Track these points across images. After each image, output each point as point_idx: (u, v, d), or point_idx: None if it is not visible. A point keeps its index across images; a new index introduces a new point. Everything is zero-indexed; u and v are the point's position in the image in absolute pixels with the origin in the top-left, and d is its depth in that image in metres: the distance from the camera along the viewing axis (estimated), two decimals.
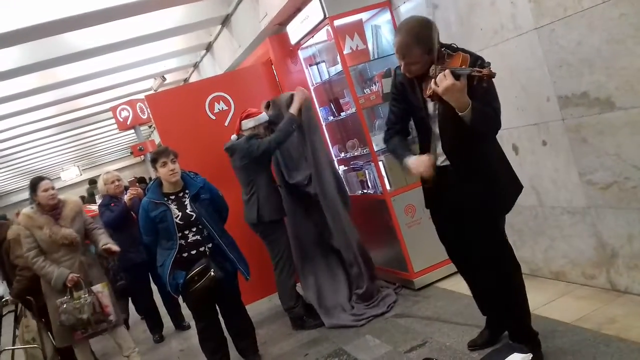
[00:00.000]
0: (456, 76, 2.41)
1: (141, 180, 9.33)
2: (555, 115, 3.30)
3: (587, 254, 3.44)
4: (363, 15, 4.53)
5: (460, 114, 2.47)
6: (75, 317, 4.01)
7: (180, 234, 3.73)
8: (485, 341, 3.16)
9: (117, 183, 5.27)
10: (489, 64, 2.43)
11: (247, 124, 4.35)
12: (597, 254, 3.37)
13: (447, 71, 2.39)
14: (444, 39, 3.87)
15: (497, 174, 2.75)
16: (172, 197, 3.81)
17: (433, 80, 2.47)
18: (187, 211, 3.76)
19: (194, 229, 3.77)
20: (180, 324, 5.58)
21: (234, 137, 4.43)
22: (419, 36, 2.53)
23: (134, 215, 5.02)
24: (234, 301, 4.07)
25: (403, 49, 2.60)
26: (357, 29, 4.48)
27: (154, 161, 3.83)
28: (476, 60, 2.52)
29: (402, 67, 2.71)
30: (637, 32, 2.70)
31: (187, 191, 3.84)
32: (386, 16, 4.50)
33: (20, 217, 4.28)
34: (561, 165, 3.39)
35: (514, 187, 2.84)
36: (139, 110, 9.96)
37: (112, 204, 5.10)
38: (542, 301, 3.50)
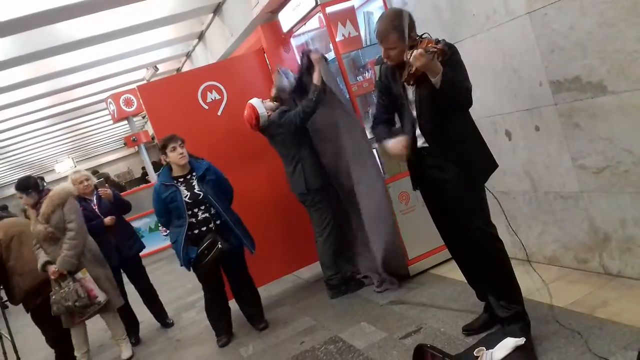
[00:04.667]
0: None
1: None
2: (548, 100, 3.29)
3: (580, 239, 3.45)
4: (355, 2, 4.49)
5: (433, 80, 2.64)
6: (63, 305, 4.31)
7: (190, 212, 4.16)
8: (481, 325, 3.19)
9: (85, 183, 5.01)
10: (443, 40, 2.70)
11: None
12: (589, 238, 3.39)
13: (419, 51, 2.59)
14: (436, 25, 3.91)
15: (473, 150, 2.91)
16: (181, 179, 4.24)
17: (407, 63, 2.68)
18: (195, 191, 4.20)
19: (202, 207, 4.20)
20: (164, 321, 5.47)
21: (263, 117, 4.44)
22: (394, 23, 2.77)
23: (103, 219, 4.98)
24: (241, 272, 4.49)
25: (381, 34, 2.84)
26: (349, 15, 4.44)
27: (163, 147, 4.21)
28: (437, 41, 2.72)
29: (382, 53, 2.91)
30: (629, 15, 2.69)
31: (194, 173, 4.26)
32: (378, 3, 4.47)
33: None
34: (554, 150, 3.39)
35: (489, 163, 2.99)
36: (122, 103, 9.94)
37: (81, 208, 4.79)
38: (536, 286, 3.52)
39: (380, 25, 2.83)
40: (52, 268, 4.36)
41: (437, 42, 2.65)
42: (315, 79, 4.27)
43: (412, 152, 2.95)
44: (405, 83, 2.82)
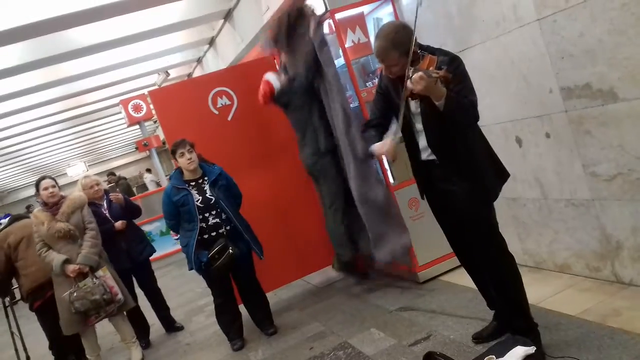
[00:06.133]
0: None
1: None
2: (558, 107, 3.28)
3: (592, 247, 3.43)
4: (365, 8, 4.50)
5: (437, 103, 2.61)
6: (89, 300, 4.33)
7: (201, 217, 4.17)
8: (491, 333, 3.17)
9: (96, 188, 4.99)
10: (446, 58, 2.69)
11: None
12: (601, 246, 3.36)
13: (419, 74, 2.54)
14: (446, 30, 3.90)
15: (482, 166, 2.86)
16: (193, 183, 4.25)
17: (407, 81, 2.62)
18: (207, 195, 4.20)
19: (214, 212, 4.21)
20: (172, 326, 5.46)
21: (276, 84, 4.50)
22: (394, 41, 2.72)
23: (114, 223, 4.97)
24: (249, 277, 4.49)
25: (381, 53, 2.79)
26: (359, 22, 4.45)
27: (173, 152, 4.25)
28: (441, 62, 2.68)
29: (383, 70, 2.90)
30: (639, 22, 2.67)
31: (205, 178, 4.28)
32: (388, 9, 4.47)
33: (32, 216, 4.65)
34: (565, 157, 3.37)
35: (500, 176, 2.95)
36: (131, 109, 10.03)
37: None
38: (547, 294, 3.50)
39: (379, 44, 2.78)
40: (71, 267, 4.36)
41: (439, 67, 2.59)
42: (311, 32, 4.20)
43: (416, 164, 2.98)
44: (409, 98, 2.77)
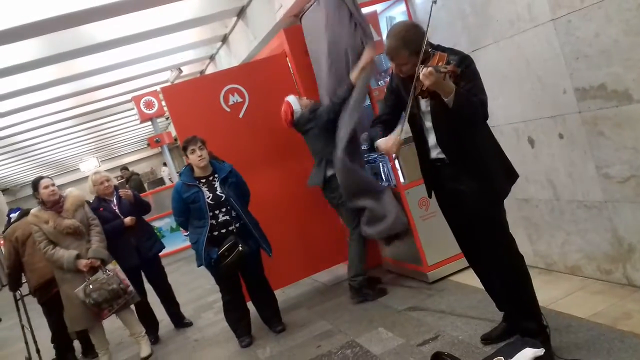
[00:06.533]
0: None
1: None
2: (572, 108, 3.25)
3: (603, 249, 3.39)
4: (378, 7, 4.50)
5: (445, 99, 2.61)
6: (107, 290, 4.44)
7: (211, 214, 4.18)
8: (500, 335, 3.16)
9: (106, 184, 5.05)
10: (457, 57, 2.70)
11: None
12: (613, 249, 3.33)
13: (429, 69, 2.55)
14: (460, 29, 3.87)
15: (491, 165, 2.86)
16: (203, 180, 4.26)
17: (416, 79, 2.64)
18: (217, 192, 4.22)
19: (224, 210, 4.22)
20: (181, 322, 5.49)
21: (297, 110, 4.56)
22: (405, 39, 2.75)
23: (123, 219, 4.99)
24: (258, 275, 4.50)
25: (391, 52, 2.82)
26: (372, 20, 4.43)
27: (184, 149, 4.27)
28: (449, 62, 2.68)
29: (393, 69, 2.91)
30: None
31: (216, 175, 4.30)
32: (401, 7, 4.47)
33: (29, 217, 4.65)
34: (578, 158, 3.34)
35: (509, 176, 2.95)
36: (142, 106, 10.08)
37: (101, 209, 4.93)
38: (557, 296, 3.48)
39: (390, 43, 2.81)
40: (83, 261, 4.44)
41: (449, 62, 2.60)
42: (353, 76, 4.21)
43: (425, 162, 3.00)
44: (418, 96, 2.78)
